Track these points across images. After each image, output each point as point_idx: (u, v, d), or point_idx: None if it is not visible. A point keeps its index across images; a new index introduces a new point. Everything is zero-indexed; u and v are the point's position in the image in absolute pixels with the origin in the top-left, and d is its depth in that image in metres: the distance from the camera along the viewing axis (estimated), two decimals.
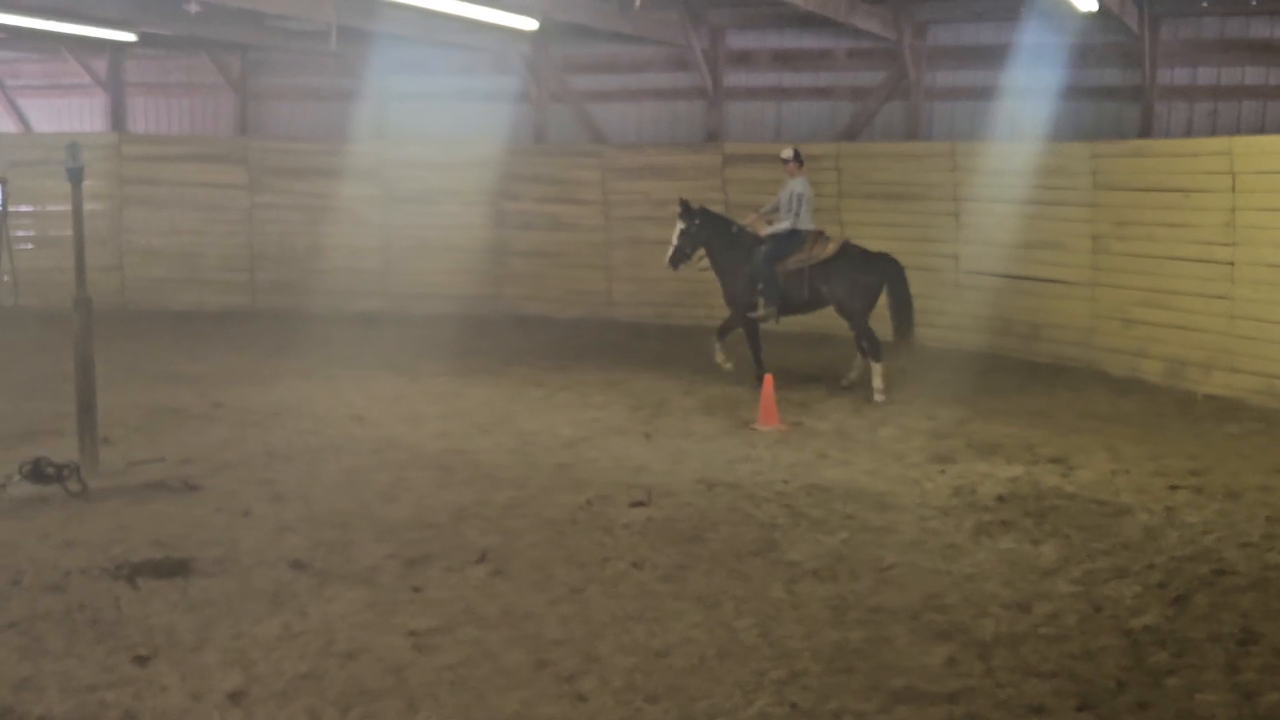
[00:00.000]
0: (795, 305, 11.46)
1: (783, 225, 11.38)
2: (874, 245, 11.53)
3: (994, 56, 13.97)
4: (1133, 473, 8.69)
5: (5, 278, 8.80)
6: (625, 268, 15.73)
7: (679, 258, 11.78)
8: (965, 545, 7.11)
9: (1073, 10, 11.67)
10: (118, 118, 18.91)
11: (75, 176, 7.98)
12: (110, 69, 18.77)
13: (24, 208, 16.04)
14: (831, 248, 11.29)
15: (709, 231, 11.73)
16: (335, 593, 6.20)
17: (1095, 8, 11.16)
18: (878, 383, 11.02)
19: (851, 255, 11.27)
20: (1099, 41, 13.46)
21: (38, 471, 7.91)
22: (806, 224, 11.43)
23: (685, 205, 11.76)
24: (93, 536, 6.98)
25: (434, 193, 16.22)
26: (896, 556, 6.88)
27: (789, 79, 15.50)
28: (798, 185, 11.37)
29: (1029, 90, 13.69)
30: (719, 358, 11.82)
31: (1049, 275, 12.92)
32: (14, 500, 7.64)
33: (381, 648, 5.55)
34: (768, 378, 10.31)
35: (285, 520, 7.38)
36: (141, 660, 5.37)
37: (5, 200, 8.35)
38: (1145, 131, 13.25)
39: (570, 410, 10.69)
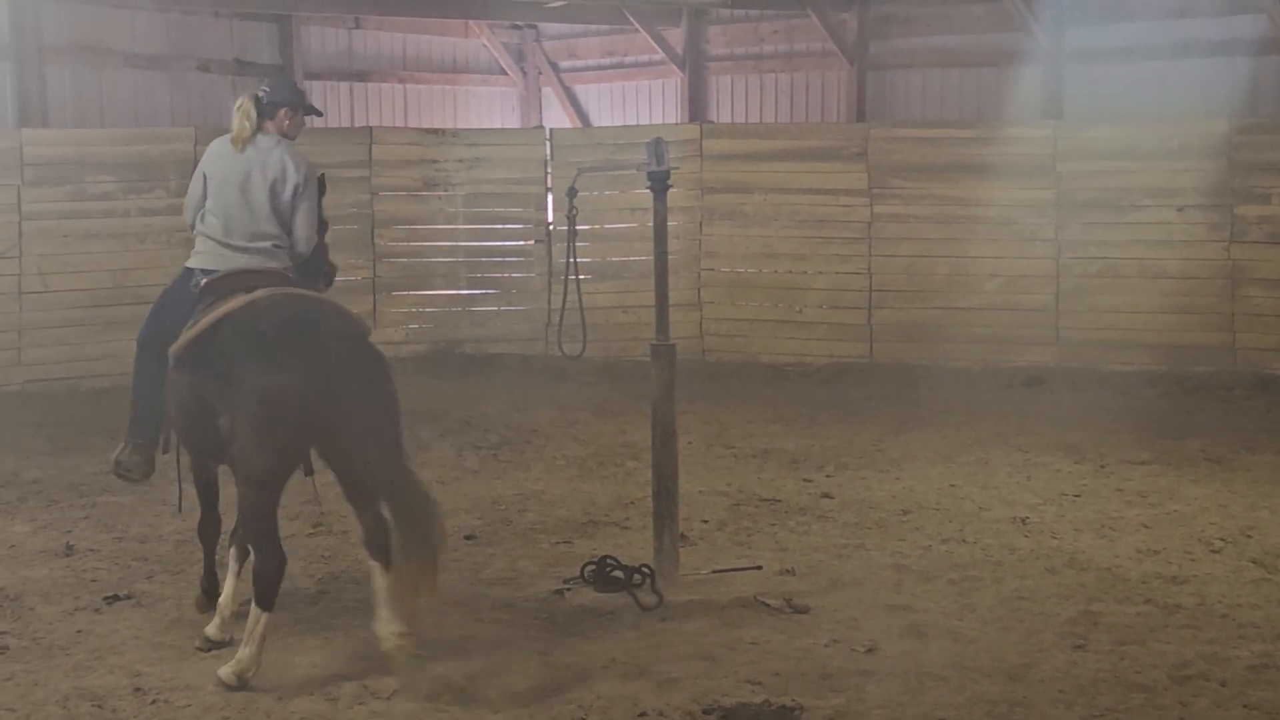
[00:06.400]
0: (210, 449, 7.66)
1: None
2: None
3: None
4: None
5: (558, 317, 9.57)
6: None
7: None
8: None
9: None
10: (696, 104, 20.50)
11: (659, 183, 8.69)
12: (688, 39, 20.43)
13: (579, 226, 17.69)
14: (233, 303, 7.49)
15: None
16: None
17: None
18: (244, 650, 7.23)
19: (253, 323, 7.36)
20: None
21: (603, 575, 8.72)
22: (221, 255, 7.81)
23: None
24: (671, 667, 7.51)
25: (1131, 194, 16.03)
26: None
27: None
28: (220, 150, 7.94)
29: None
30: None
31: None
32: (574, 610, 8.43)
33: None
34: None
35: (926, 664, 7.53)
36: None
37: (574, 219, 8.98)
38: None
39: None
